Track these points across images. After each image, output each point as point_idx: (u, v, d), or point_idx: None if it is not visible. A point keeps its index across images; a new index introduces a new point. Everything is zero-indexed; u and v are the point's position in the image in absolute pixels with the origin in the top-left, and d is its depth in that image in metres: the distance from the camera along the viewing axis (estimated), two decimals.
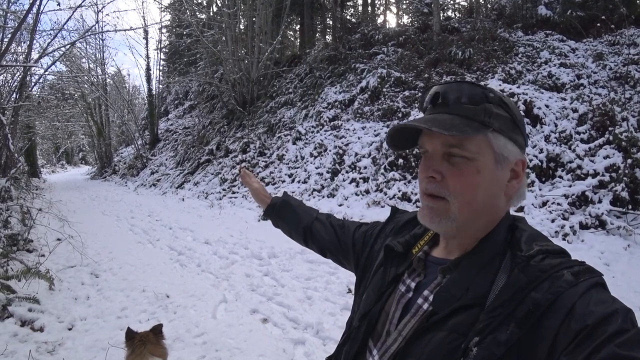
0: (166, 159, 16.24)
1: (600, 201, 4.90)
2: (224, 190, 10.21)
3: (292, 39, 22.38)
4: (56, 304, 3.68)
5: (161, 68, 23.78)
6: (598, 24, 8.58)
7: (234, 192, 9.83)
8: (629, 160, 4.97)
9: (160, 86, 22.83)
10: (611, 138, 5.32)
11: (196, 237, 6.42)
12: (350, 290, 3.98)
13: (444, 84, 0.68)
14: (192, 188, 11.71)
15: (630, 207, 4.84)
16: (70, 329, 3.28)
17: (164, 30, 23.41)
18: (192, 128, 16.99)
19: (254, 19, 14.51)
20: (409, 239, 0.81)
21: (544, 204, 5.16)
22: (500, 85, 6.95)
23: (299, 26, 19.70)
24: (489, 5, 12.92)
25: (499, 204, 0.67)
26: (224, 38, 14.99)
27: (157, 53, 22.11)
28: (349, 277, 4.29)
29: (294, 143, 10.04)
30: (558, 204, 5.04)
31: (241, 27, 15.92)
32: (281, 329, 3.21)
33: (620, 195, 4.82)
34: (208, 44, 15.11)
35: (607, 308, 0.50)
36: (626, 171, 4.93)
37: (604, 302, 0.52)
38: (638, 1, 9.25)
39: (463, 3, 16.05)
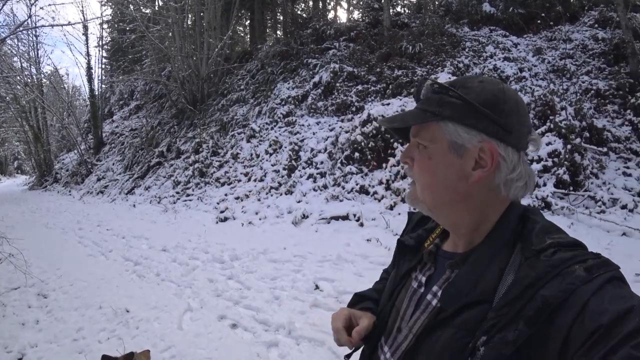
0: (113, 164, 15.38)
1: (545, 184, 5.27)
2: (177, 193, 9.83)
3: (242, 34, 21.92)
4: (1, 332, 3.36)
5: (103, 66, 22.40)
6: (538, 21, 9.24)
7: (188, 195, 9.49)
8: (569, 146, 5.39)
9: (103, 86, 21.51)
10: (552, 126, 5.72)
11: (152, 245, 6.12)
12: (317, 287, 3.98)
13: (423, 80, 0.72)
14: (144, 193, 11.17)
15: (571, 188, 5.25)
16: (20, 359, 3.00)
17: (105, 26, 22.01)
18: (139, 129, 16.16)
19: (202, 13, 14.06)
20: (421, 232, 0.81)
21: None
22: (449, 78, 7.23)
23: (248, 21, 19.34)
24: (436, 2, 13.41)
25: (472, 192, 0.65)
26: (170, 34, 14.39)
27: (99, 50, 20.76)
28: (314, 274, 4.30)
29: (248, 141, 9.85)
30: None
31: (189, 22, 15.34)
32: (252, 333, 3.14)
33: (563, 178, 5.22)
34: (154, 40, 14.40)
35: (623, 305, 0.47)
36: (566, 156, 5.34)
37: (620, 298, 0.49)
38: (572, 0, 10.07)
39: None
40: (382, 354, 0.72)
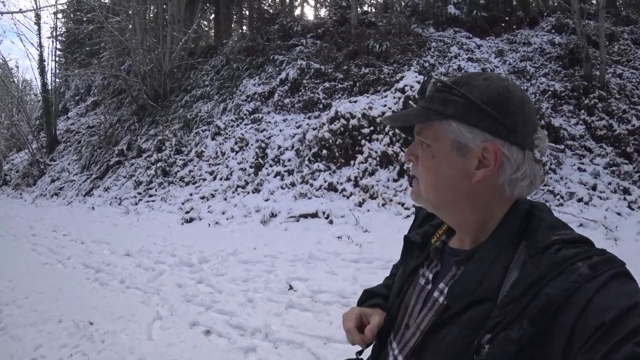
0: (69, 164, 14.56)
1: None
2: (139, 194, 9.44)
3: (207, 29, 21.38)
4: None
5: (57, 59, 21.17)
6: (502, 24, 9.71)
7: (150, 195, 9.14)
8: None
9: (57, 80, 20.27)
10: None
11: (114, 250, 5.84)
12: (291, 287, 3.94)
13: (428, 78, 0.71)
14: (103, 194, 10.65)
15: None
16: None
17: (60, 15, 20.71)
18: (97, 127, 15.37)
19: (165, 5, 13.54)
20: (427, 229, 0.81)
21: None
22: (416, 77, 7.37)
23: (214, 15, 18.87)
24: (403, 2, 13.69)
25: (476, 192, 0.65)
26: (131, 26, 13.77)
27: (53, 41, 19.52)
28: (287, 274, 4.27)
29: (213, 138, 9.61)
30: None
31: (151, 14, 14.76)
32: (227, 339, 3.04)
33: None
34: (114, 31, 13.70)
35: (627, 301, 0.46)
36: None
37: (624, 295, 0.48)
38: (532, 5, 10.67)
39: None
40: (390, 350, 0.73)
